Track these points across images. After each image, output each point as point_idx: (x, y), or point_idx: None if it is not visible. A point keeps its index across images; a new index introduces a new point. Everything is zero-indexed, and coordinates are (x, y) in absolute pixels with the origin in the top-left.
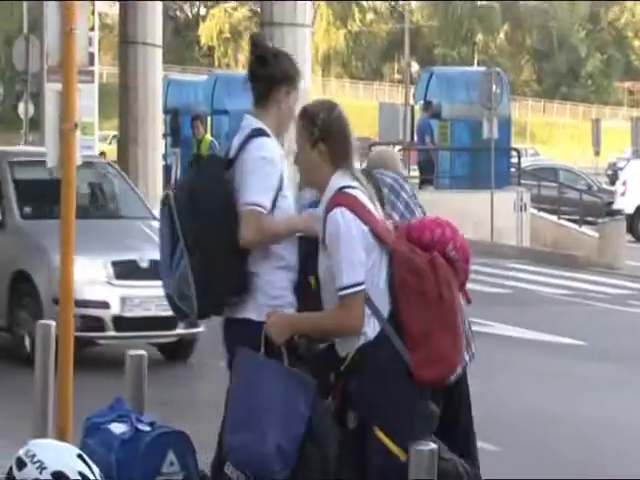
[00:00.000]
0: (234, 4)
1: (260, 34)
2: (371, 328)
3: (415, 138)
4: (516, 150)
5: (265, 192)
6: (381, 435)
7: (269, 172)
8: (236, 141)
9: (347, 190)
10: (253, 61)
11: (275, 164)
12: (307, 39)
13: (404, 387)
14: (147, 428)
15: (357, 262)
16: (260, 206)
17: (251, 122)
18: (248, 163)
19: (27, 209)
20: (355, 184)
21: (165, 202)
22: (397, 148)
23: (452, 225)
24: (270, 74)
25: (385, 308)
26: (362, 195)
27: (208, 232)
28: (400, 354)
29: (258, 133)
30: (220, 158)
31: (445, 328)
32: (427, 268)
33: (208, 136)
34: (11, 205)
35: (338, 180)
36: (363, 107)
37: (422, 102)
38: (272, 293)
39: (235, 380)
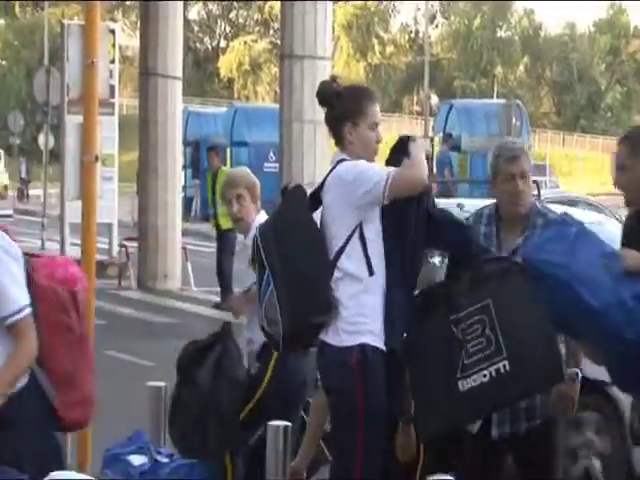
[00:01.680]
0: (254, 37)
1: (324, 82)
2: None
3: (435, 170)
4: (535, 182)
5: (379, 169)
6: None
7: (367, 165)
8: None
9: None
10: (327, 109)
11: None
12: (327, 71)
13: (43, 428)
14: (165, 460)
15: (23, 283)
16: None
17: (336, 156)
18: (343, 175)
19: None
20: None
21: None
22: None
23: (75, 264)
24: (333, 116)
25: None
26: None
27: (292, 256)
28: (45, 396)
29: (342, 161)
30: (303, 188)
31: (88, 368)
32: (71, 303)
33: (225, 168)
34: None
35: None
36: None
37: (441, 134)
38: (349, 319)
39: None
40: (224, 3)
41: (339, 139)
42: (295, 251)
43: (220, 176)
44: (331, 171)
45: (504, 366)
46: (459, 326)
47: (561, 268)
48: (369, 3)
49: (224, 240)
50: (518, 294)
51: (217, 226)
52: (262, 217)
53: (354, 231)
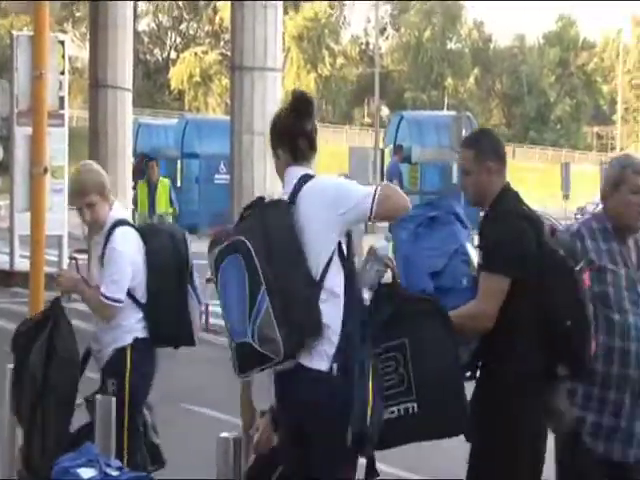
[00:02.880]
0: (204, 48)
1: (304, 92)
2: None
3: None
4: None
5: (361, 185)
6: None
7: (348, 180)
8: (288, 188)
9: None
10: (301, 117)
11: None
12: (277, 83)
13: None
14: (115, 473)
15: None
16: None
17: (298, 171)
18: (325, 191)
19: None
20: None
21: (235, 249)
22: None
23: None
24: (314, 126)
25: None
26: None
27: (284, 275)
28: None
29: (310, 177)
30: (285, 202)
31: None
32: None
33: (166, 181)
34: None
35: None
36: (333, 151)
37: (392, 146)
38: (335, 342)
39: None
40: (174, 14)
41: (312, 149)
42: (286, 269)
43: (160, 187)
44: (299, 186)
45: (413, 408)
46: (378, 359)
47: (400, 243)
48: (320, 14)
49: None
50: (434, 339)
51: None
52: (116, 209)
53: (336, 249)
